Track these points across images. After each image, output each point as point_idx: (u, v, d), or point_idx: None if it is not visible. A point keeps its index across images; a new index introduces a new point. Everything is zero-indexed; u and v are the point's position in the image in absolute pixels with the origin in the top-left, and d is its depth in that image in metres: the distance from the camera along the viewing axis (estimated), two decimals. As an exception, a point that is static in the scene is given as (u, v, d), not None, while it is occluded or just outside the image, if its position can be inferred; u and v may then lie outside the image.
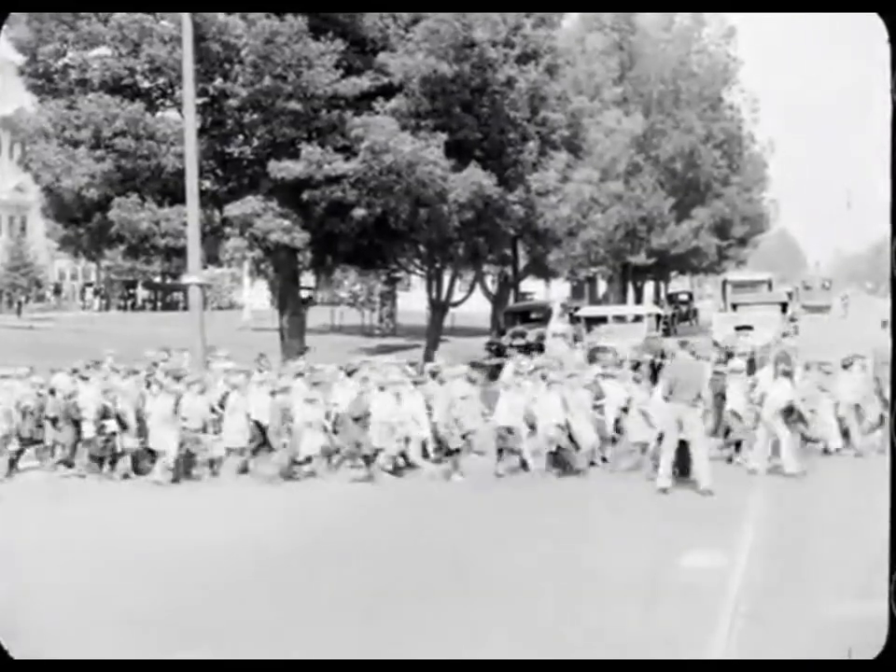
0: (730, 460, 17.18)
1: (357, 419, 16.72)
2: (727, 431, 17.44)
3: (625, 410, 17.56)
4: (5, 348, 31.70)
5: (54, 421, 17.12)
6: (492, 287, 45.23)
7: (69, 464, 17.02)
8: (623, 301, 57.54)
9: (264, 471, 16.68)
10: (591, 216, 40.06)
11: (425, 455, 17.16)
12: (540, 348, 30.37)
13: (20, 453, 17.08)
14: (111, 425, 16.81)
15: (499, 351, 35.30)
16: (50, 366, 19.03)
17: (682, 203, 54.94)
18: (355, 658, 8.61)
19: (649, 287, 69.04)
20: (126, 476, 16.83)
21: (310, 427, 16.68)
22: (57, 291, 61.94)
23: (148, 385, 17.92)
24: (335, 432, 17.06)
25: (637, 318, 32.61)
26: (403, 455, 17.05)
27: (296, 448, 16.73)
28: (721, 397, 17.71)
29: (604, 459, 17.36)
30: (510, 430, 16.75)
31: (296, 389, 17.34)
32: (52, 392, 17.45)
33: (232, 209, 22.72)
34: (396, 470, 16.89)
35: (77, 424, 16.91)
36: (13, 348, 33.02)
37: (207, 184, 23.72)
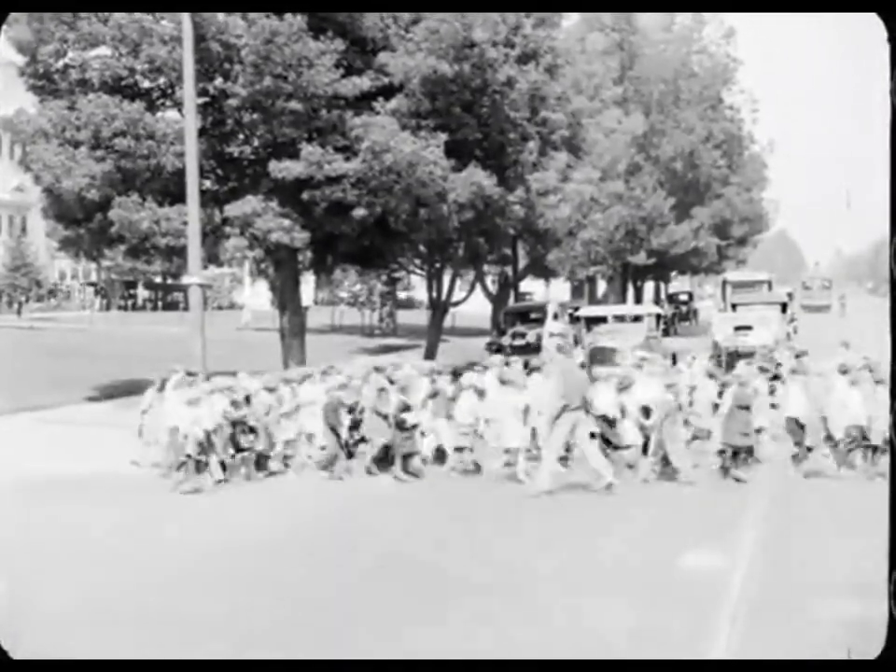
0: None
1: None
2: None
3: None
4: (5, 348, 31.72)
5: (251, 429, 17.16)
6: (492, 287, 45.25)
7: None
8: (623, 300, 57.54)
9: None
10: (591, 216, 40.07)
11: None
12: (539, 349, 30.39)
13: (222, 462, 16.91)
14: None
15: (499, 351, 35.33)
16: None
17: (682, 202, 54.94)
18: (355, 658, 8.62)
19: (649, 287, 69.05)
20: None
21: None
22: (52, 293, 61.91)
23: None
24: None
25: (637, 318, 32.60)
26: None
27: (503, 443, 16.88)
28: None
29: None
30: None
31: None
32: (248, 399, 17.36)
33: (233, 209, 22.72)
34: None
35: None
36: (14, 348, 33.05)
37: (208, 184, 23.72)
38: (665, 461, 16.47)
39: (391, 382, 17.80)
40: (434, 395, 17.71)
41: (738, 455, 16.60)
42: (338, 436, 17.18)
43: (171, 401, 17.11)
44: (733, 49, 58.80)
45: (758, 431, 17.20)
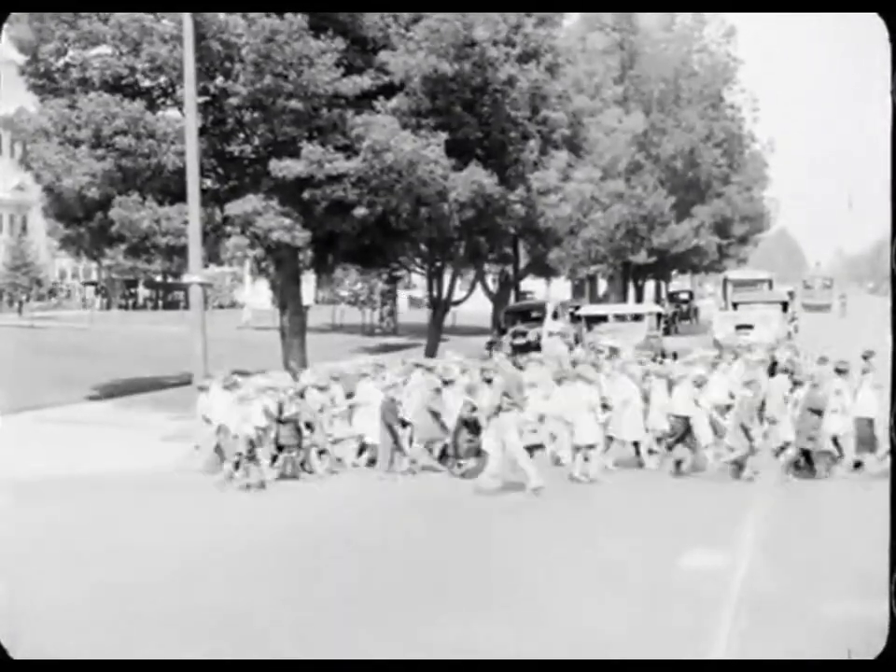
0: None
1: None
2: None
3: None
4: (6, 347, 31.72)
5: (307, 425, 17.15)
6: (492, 287, 45.24)
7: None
8: (624, 299, 57.54)
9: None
10: (591, 214, 40.02)
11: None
12: (539, 347, 30.40)
13: (274, 458, 16.95)
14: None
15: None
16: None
17: (683, 201, 54.92)
18: (355, 658, 8.62)
19: (649, 286, 69.03)
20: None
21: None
22: (52, 292, 61.92)
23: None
24: None
25: (638, 317, 32.62)
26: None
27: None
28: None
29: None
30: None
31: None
32: (301, 395, 17.35)
33: (233, 208, 22.71)
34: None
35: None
36: (14, 347, 33.05)
37: (208, 183, 23.71)
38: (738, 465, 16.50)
39: (445, 382, 17.88)
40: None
41: (806, 457, 16.50)
42: (395, 435, 17.11)
43: (218, 401, 17.11)
44: (733, 48, 58.78)
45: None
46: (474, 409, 16.87)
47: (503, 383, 16.08)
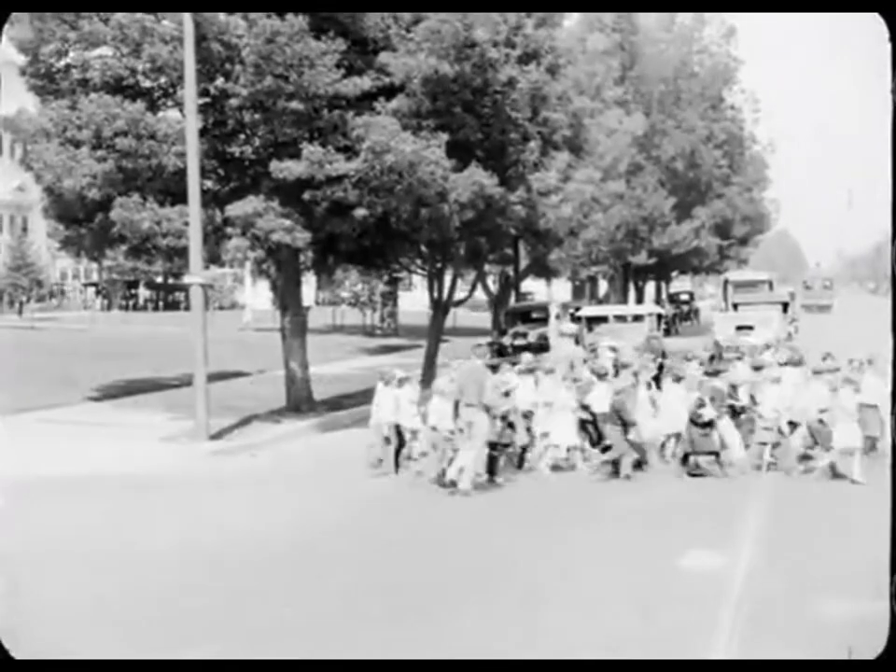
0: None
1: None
2: None
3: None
4: (6, 348, 31.70)
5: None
6: (493, 287, 45.24)
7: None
8: (625, 300, 57.56)
9: None
10: (592, 215, 39.99)
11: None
12: (540, 348, 30.37)
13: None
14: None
15: (500, 351, 35.35)
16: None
17: (683, 202, 54.97)
18: (355, 658, 8.63)
19: (650, 287, 69.05)
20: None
21: None
22: (52, 294, 61.95)
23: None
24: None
25: (638, 318, 32.62)
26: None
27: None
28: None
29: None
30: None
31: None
32: (507, 394, 17.13)
33: (234, 209, 22.69)
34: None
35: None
36: (15, 348, 33.05)
37: (209, 184, 23.67)
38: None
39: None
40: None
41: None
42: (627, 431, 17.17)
43: (405, 397, 17.29)
44: (733, 48, 58.85)
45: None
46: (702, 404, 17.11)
47: None
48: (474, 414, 15.77)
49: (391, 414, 17.17)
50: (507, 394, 16.81)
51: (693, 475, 16.85)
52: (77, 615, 9.97)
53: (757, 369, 19.14)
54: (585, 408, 17.83)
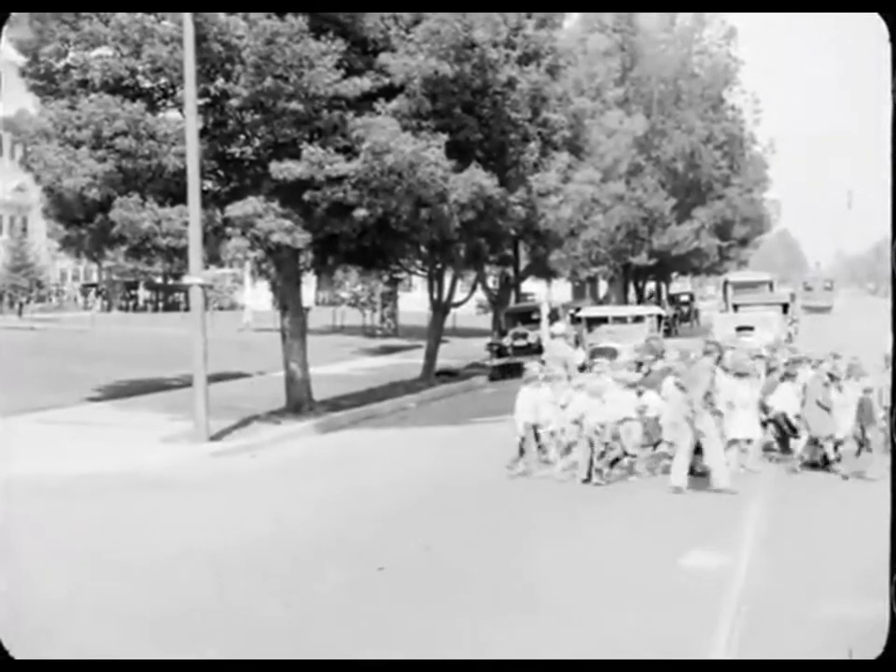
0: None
1: None
2: None
3: None
4: (6, 349, 31.69)
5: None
6: (493, 288, 45.25)
7: None
8: (625, 301, 57.57)
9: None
10: (592, 216, 40.04)
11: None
12: (540, 349, 30.37)
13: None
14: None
15: (500, 352, 35.35)
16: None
17: (683, 203, 54.99)
18: (354, 658, 8.63)
19: (650, 288, 69.06)
20: None
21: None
22: (54, 294, 61.99)
23: None
24: None
25: (638, 319, 32.61)
26: None
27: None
28: None
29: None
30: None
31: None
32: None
33: (234, 209, 22.69)
34: None
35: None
36: (15, 349, 33.05)
37: (209, 184, 23.67)
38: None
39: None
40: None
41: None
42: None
43: (543, 397, 17.30)
44: (734, 49, 58.86)
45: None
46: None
47: None
48: (699, 415, 15.73)
49: (529, 414, 17.21)
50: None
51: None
52: (77, 615, 9.97)
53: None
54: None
